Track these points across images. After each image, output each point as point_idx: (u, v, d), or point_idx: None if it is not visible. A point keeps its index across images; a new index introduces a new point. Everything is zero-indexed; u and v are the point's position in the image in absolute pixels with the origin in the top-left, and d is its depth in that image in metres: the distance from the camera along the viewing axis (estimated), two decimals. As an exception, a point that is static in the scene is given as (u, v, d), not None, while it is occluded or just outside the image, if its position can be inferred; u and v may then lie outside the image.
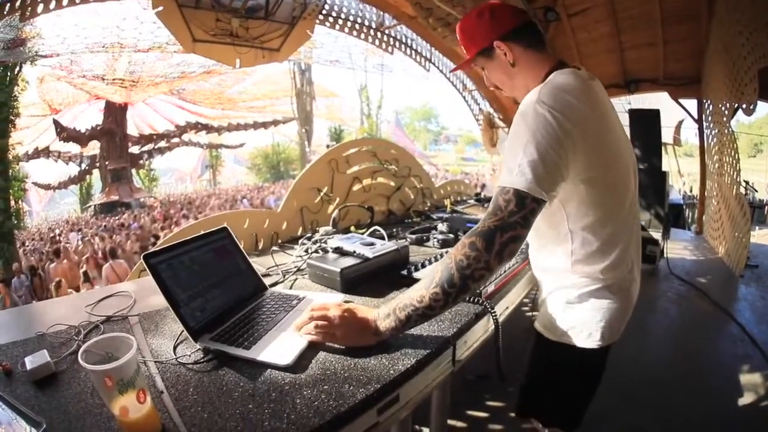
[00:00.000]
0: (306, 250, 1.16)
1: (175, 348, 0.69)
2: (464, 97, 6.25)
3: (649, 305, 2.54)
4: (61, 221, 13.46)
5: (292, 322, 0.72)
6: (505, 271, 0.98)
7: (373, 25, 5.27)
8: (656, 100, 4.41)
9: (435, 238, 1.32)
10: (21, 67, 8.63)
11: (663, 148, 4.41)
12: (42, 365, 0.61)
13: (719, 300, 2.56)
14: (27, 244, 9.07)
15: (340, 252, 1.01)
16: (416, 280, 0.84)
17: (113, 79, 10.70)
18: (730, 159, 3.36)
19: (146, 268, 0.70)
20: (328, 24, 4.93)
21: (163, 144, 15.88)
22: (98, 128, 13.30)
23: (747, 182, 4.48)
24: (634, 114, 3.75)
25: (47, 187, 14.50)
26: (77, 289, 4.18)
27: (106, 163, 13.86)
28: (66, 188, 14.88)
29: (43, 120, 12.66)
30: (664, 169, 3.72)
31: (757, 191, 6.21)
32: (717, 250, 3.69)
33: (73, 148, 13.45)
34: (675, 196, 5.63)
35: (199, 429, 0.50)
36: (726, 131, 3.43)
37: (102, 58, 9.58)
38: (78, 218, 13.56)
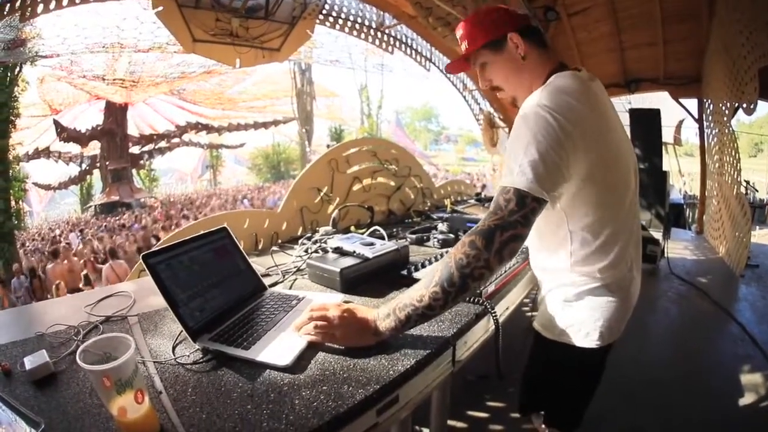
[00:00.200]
0: (306, 250, 1.16)
1: (174, 348, 0.69)
2: (464, 97, 6.25)
3: (649, 305, 2.54)
4: (61, 221, 13.47)
5: (292, 323, 0.72)
6: (505, 271, 0.98)
7: (373, 25, 5.27)
8: (656, 99, 4.41)
9: (435, 238, 1.32)
10: (21, 67, 8.64)
11: (663, 147, 4.41)
12: (41, 365, 0.61)
13: (720, 300, 2.55)
14: (27, 244, 9.08)
15: (340, 252, 1.01)
16: (416, 280, 0.84)
17: (113, 80, 10.70)
18: (731, 158, 3.36)
19: (145, 268, 0.70)
20: (328, 24, 4.93)
21: (163, 144, 15.87)
22: (98, 128, 13.30)
23: (747, 182, 4.47)
24: (635, 113, 3.75)
25: (47, 187, 14.50)
26: (75, 291, 4.18)
27: (107, 163, 13.86)
28: (66, 188, 14.88)
29: (44, 120, 12.66)
30: (664, 168, 3.72)
31: (757, 191, 6.21)
32: (717, 250, 3.68)
33: (73, 148, 13.45)
34: (675, 195, 5.62)
35: (197, 429, 0.49)
36: (726, 131, 3.42)
37: (102, 58, 9.58)
38: (78, 218, 13.56)
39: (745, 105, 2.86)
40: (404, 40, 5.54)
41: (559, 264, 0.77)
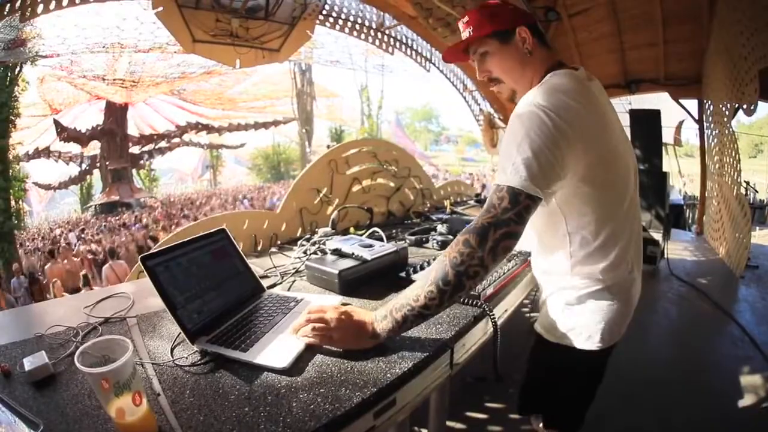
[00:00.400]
0: (304, 252, 1.16)
1: (172, 350, 0.69)
2: (464, 98, 6.25)
3: (649, 306, 2.53)
4: (61, 221, 13.47)
5: (290, 325, 0.72)
6: (504, 273, 0.98)
7: (374, 26, 5.27)
8: (657, 100, 4.40)
9: (434, 239, 1.32)
10: (21, 67, 8.63)
11: (663, 148, 4.41)
12: (40, 366, 0.61)
13: (720, 301, 2.55)
14: (27, 244, 9.09)
15: (339, 254, 1.01)
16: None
17: (114, 80, 10.71)
18: (731, 159, 3.36)
19: (143, 269, 0.70)
20: (328, 24, 4.93)
21: (163, 144, 15.87)
22: (99, 128, 13.30)
23: (747, 183, 4.47)
24: (635, 114, 3.75)
25: (48, 187, 14.51)
26: (73, 291, 4.18)
27: (107, 163, 13.86)
28: (66, 188, 14.88)
29: (44, 120, 12.66)
30: (664, 169, 3.72)
31: (757, 192, 6.20)
32: (717, 251, 3.68)
33: (73, 148, 13.45)
34: (676, 196, 5.62)
35: (195, 432, 0.49)
36: (726, 132, 3.42)
37: (102, 58, 9.59)
38: (78, 218, 13.57)
39: (745, 106, 2.86)
40: (404, 41, 5.54)
41: (560, 266, 0.76)
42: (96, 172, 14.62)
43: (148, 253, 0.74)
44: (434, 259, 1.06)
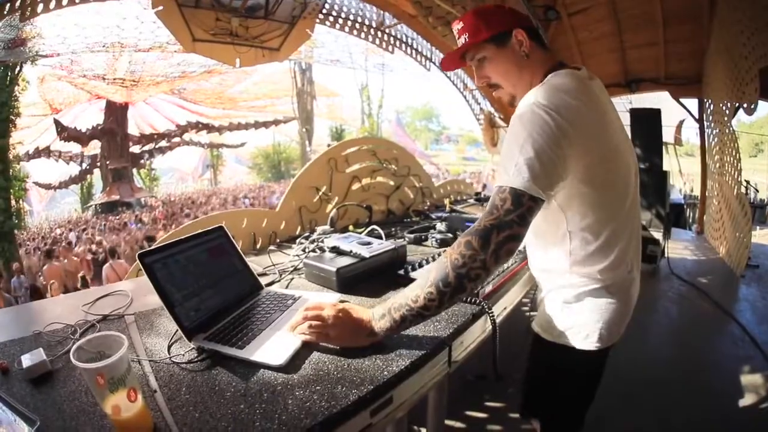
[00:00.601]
0: (303, 250, 1.16)
1: (169, 347, 0.69)
2: (465, 97, 6.25)
3: (649, 305, 2.53)
4: (62, 221, 13.49)
5: (287, 322, 0.71)
6: (503, 271, 0.97)
7: (374, 25, 5.27)
8: (657, 99, 4.40)
9: (433, 237, 1.32)
10: (21, 67, 8.65)
11: (664, 147, 4.40)
12: (38, 363, 0.62)
13: (720, 300, 2.55)
14: (27, 243, 9.10)
15: (337, 251, 1.01)
16: (413, 280, 0.84)
17: (114, 79, 10.72)
18: (731, 159, 3.35)
19: (141, 267, 0.70)
20: (328, 23, 4.93)
21: (164, 143, 15.88)
22: (99, 128, 13.31)
23: (748, 182, 4.46)
24: (635, 113, 3.75)
25: (48, 186, 14.53)
26: (68, 291, 4.19)
27: (107, 162, 13.88)
28: (67, 188, 14.89)
29: (44, 120, 12.67)
30: (665, 168, 3.71)
31: (758, 191, 6.19)
32: (718, 250, 3.68)
33: (73, 147, 13.46)
34: (676, 195, 5.61)
35: (190, 429, 0.49)
36: (727, 131, 3.42)
37: (103, 57, 9.59)
38: (79, 218, 13.58)
39: (745, 105, 2.85)
40: (405, 40, 5.54)
41: (558, 265, 0.76)
42: (96, 172, 14.64)
43: (146, 250, 0.74)
44: (433, 257, 1.06)
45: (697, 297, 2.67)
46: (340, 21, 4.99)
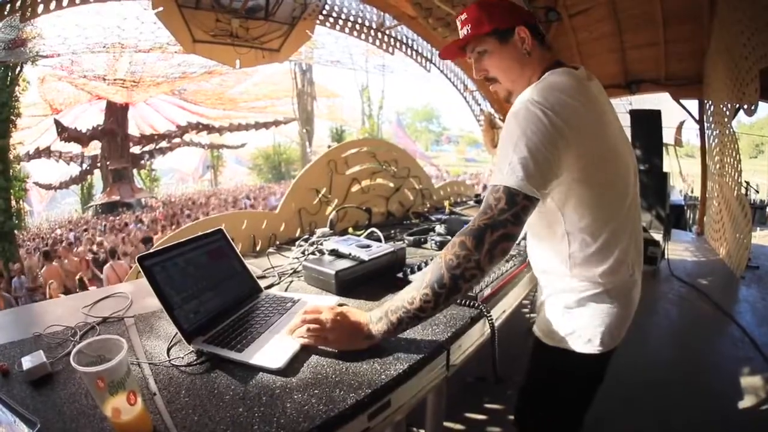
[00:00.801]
0: (302, 252, 1.16)
1: (168, 350, 0.69)
2: (465, 98, 6.26)
3: (649, 307, 2.53)
4: (62, 221, 13.50)
5: (286, 326, 0.72)
6: (502, 274, 0.97)
7: (374, 26, 5.28)
8: (657, 100, 4.40)
9: (432, 239, 1.32)
10: (22, 67, 8.66)
11: (664, 148, 4.40)
12: (38, 366, 0.62)
13: (720, 301, 2.55)
14: (28, 244, 9.11)
15: (336, 254, 1.01)
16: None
17: (114, 80, 10.73)
18: (732, 160, 3.35)
19: (140, 270, 0.70)
20: (328, 24, 4.94)
21: (164, 144, 15.89)
22: (99, 128, 13.32)
23: (748, 183, 4.46)
24: (635, 114, 3.74)
25: (48, 187, 14.53)
26: (68, 293, 4.19)
27: (108, 163, 13.88)
28: (67, 188, 14.90)
29: (44, 120, 12.68)
30: (665, 170, 3.71)
31: (758, 192, 6.19)
32: (718, 252, 3.68)
33: (74, 148, 13.47)
34: (676, 197, 5.61)
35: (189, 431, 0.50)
36: (727, 132, 3.42)
37: (103, 58, 9.60)
38: (79, 218, 13.60)
39: (746, 106, 2.85)
40: (405, 41, 5.55)
41: (558, 267, 0.76)
42: (97, 172, 14.64)
43: (145, 253, 0.74)
44: (432, 260, 1.06)
45: (698, 298, 2.67)
46: (341, 22, 5.00)
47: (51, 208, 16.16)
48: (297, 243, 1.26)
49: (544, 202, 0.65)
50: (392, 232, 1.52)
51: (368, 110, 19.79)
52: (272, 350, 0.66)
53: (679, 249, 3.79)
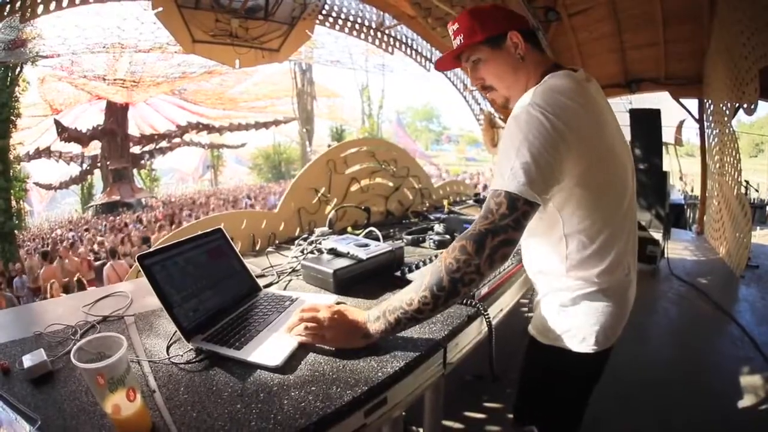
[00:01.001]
0: (301, 251, 1.17)
1: (168, 348, 0.70)
2: (465, 97, 6.26)
3: (649, 306, 2.53)
4: (62, 221, 13.52)
5: (284, 324, 0.72)
6: (499, 273, 0.98)
7: (373, 25, 5.28)
8: (657, 100, 4.39)
9: (431, 239, 1.32)
10: (22, 67, 8.67)
11: (664, 147, 4.40)
12: (39, 364, 0.62)
13: (720, 301, 2.55)
14: (28, 244, 9.13)
15: (335, 253, 1.01)
16: (410, 282, 0.84)
17: (114, 80, 10.74)
18: (731, 159, 3.35)
19: (140, 269, 0.71)
20: (327, 24, 4.94)
21: (164, 144, 15.91)
22: (99, 128, 13.34)
23: (748, 182, 4.46)
24: (635, 113, 3.74)
25: (48, 187, 14.55)
26: (68, 292, 4.20)
27: (108, 163, 13.89)
28: (67, 188, 14.92)
29: (45, 120, 12.69)
30: (665, 169, 3.71)
31: (758, 191, 6.18)
32: (718, 251, 3.67)
33: (74, 148, 13.48)
34: (676, 196, 5.61)
35: (188, 428, 0.50)
36: (727, 131, 3.41)
37: (103, 58, 9.61)
38: (79, 218, 13.62)
39: (745, 105, 2.85)
40: (404, 41, 5.55)
41: (554, 267, 0.76)
42: (97, 172, 14.66)
43: (145, 252, 0.75)
44: (430, 259, 1.06)
45: (697, 298, 2.67)
46: (340, 22, 5.01)
47: (51, 208, 16.18)
48: (296, 242, 1.27)
49: (545, 207, 0.64)
50: (391, 231, 1.53)
51: (368, 110, 19.81)
52: (270, 348, 0.66)
53: (678, 248, 3.79)
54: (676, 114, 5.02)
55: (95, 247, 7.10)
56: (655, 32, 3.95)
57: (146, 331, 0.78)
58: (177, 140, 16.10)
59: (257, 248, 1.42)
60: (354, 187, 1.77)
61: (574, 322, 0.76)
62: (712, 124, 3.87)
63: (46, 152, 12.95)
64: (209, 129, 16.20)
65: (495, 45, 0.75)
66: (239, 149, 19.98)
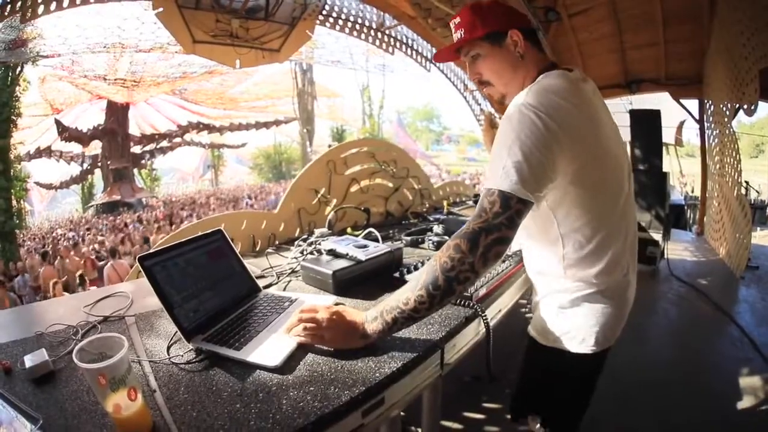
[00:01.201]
0: (301, 252, 1.17)
1: (168, 348, 0.70)
2: (465, 98, 6.26)
3: (649, 306, 2.53)
4: (62, 221, 13.53)
5: (283, 324, 0.73)
6: (497, 274, 0.98)
7: (374, 26, 5.28)
8: (657, 100, 4.39)
9: (430, 239, 1.33)
10: (23, 67, 8.69)
11: (664, 148, 4.39)
12: (40, 364, 0.63)
13: (719, 301, 2.55)
14: (28, 243, 9.15)
15: (334, 254, 1.02)
16: (408, 282, 0.84)
17: (115, 79, 10.75)
18: (732, 160, 3.35)
19: (141, 270, 0.72)
20: (328, 24, 4.94)
21: (165, 144, 15.93)
22: (100, 128, 13.35)
23: (748, 183, 4.45)
24: (635, 114, 3.74)
25: (49, 186, 14.57)
26: (67, 289, 4.21)
27: (108, 162, 13.91)
28: (68, 188, 14.94)
29: (45, 120, 12.72)
30: (665, 169, 3.71)
31: (759, 192, 6.18)
32: (718, 251, 3.67)
33: (74, 147, 13.51)
34: (676, 196, 5.60)
35: (188, 427, 0.51)
36: (727, 132, 3.41)
37: (103, 58, 9.62)
38: (80, 218, 13.64)
39: (746, 106, 2.85)
40: (405, 41, 5.55)
41: (552, 268, 0.76)
42: (97, 172, 14.68)
43: (146, 253, 0.75)
44: (429, 260, 1.06)
45: (697, 298, 2.67)
46: (340, 22, 5.01)
47: (52, 208, 16.20)
48: (296, 243, 1.28)
49: (538, 206, 0.65)
50: (390, 232, 1.53)
51: (369, 110, 19.82)
52: (269, 348, 0.67)
53: (678, 249, 3.79)
54: (676, 114, 5.02)
55: (96, 246, 7.12)
56: (655, 32, 3.95)
57: (147, 331, 0.78)
58: (177, 140, 16.12)
59: (257, 249, 1.43)
60: (354, 188, 1.78)
61: (574, 323, 0.77)
62: (713, 125, 3.87)
63: (47, 152, 12.97)
64: (210, 129, 16.21)
65: (495, 41, 0.75)
66: (240, 149, 20.00)
